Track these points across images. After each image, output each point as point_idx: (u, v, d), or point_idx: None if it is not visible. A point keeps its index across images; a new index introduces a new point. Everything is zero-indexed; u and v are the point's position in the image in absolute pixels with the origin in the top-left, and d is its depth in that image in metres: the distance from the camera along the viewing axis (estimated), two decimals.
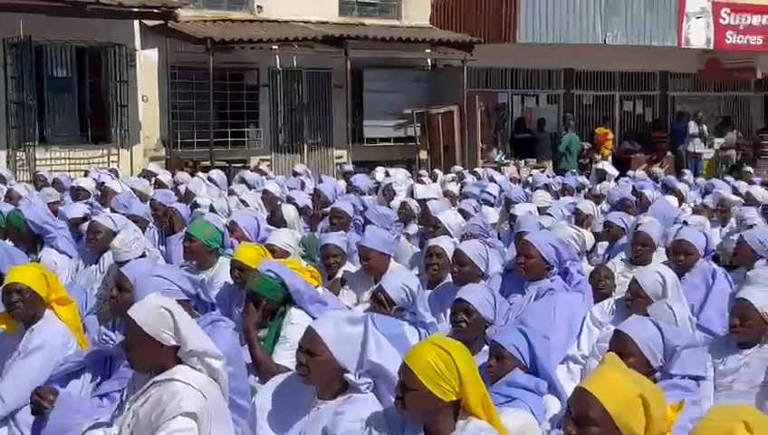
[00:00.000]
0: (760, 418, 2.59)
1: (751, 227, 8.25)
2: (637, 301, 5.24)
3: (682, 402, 3.10)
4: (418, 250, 7.82)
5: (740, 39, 21.93)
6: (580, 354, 5.34)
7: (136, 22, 17.06)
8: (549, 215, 8.82)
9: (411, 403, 3.31)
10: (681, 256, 6.56)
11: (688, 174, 16.20)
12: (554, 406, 4.13)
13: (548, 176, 14.95)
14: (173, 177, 12.71)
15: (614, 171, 14.63)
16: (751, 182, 13.86)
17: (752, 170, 16.95)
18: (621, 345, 3.95)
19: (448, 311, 5.66)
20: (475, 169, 15.74)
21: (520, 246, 5.75)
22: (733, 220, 10.06)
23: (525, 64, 21.60)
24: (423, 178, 14.09)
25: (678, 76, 24.06)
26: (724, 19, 21.74)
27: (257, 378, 4.68)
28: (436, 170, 16.12)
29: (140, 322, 3.54)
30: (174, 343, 3.55)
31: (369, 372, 3.64)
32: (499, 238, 8.47)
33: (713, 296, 6.13)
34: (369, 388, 3.65)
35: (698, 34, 21.43)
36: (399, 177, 13.59)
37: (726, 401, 4.71)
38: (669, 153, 22.04)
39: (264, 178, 13.06)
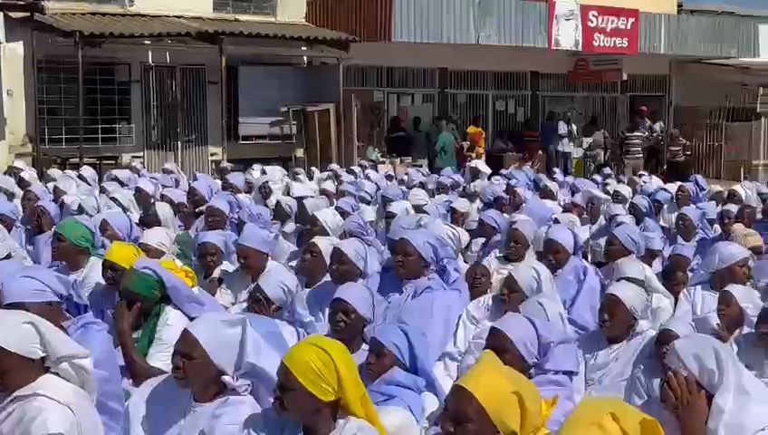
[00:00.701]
0: (625, 408, 2.69)
1: (619, 223, 8.50)
2: (512, 297, 5.34)
3: (556, 397, 3.17)
4: (296, 248, 7.79)
5: (607, 41, 22.55)
6: (456, 351, 5.41)
7: (0, 13, 16.44)
8: (425, 213, 8.91)
9: (290, 404, 3.30)
10: (550, 255, 6.72)
11: (558, 173, 16.63)
12: (432, 404, 4.17)
13: (423, 174, 15.09)
14: (41, 174, 12.33)
15: (487, 169, 14.89)
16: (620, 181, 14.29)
17: (610, 172, 17.43)
18: (497, 342, 4.01)
19: (327, 310, 5.67)
20: (352, 167, 15.77)
21: (398, 245, 5.77)
22: (602, 218, 10.37)
23: (401, 63, 21.76)
24: (299, 176, 14.04)
25: (549, 77, 24.62)
26: (592, 22, 22.33)
27: (131, 381, 4.58)
28: (313, 168, 16.09)
29: (5, 343, 3.28)
30: (42, 354, 3.34)
31: (248, 373, 3.60)
32: (376, 236, 8.50)
33: (583, 292, 6.29)
34: (248, 390, 3.61)
35: (567, 36, 21.95)
36: (276, 175, 13.53)
37: (596, 396, 4.85)
38: (540, 152, 22.56)
39: (136, 175, 12.80)
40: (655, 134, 23.80)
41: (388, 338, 4.21)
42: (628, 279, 5.94)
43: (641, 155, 22.52)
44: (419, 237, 5.81)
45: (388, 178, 15.45)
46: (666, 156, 23.43)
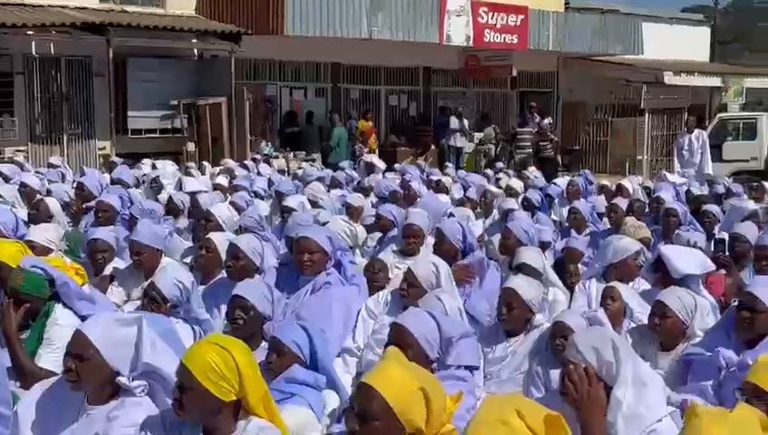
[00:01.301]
0: (530, 405, 2.69)
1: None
2: (411, 292, 5.33)
3: (460, 393, 3.16)
4: (190, 245, 7.64)
5: (497, 37, 22.85)
6: (355, 347, 5.38)
7: None
8: (321, 208, 8.85)
9: (189, 404, 3.21)
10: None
11: (451, 167, 16.79)
12: (334, 401, 4.12)
13: (317, 169, 15.04)
14: None
15: (382, 164, 14.91)
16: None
17: (502, 166, 17.67)
18: (399, 338, 3.98)
19: (223, 307, 5.56)
20: (245, 162, 15.58)
21: (302, 243, 5.69)
22: (495, 212, 10.48)
23: (293, 57, 21.63)
24: (191, 171, 13.80)
25: (441, 72, 24.82)
26: (483, 18, 22.58)
27: (19, 384, 4.39)
28: (205, 163, 15.85)
29: None
30: None
31: (144, 374, 3.49)
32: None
33: (482, 286, 6.32)
34: (145, 391, 3.50)
35: (458, 32, 22.15)
36: (168, 169, 13.27)
37: (496, 390, 4.88)
38: (433, 147, 22.73)
39: (20, 169, 12.38)
40: (544, 130, 24.18)
41: (288, 336, 4.14)
42: (526, 266, 6.02)
43: (531, 150, 22.89)
44: (321, 234, 5.76)
45: (281, 172, 15.36)
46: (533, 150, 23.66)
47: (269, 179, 12.35)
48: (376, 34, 20.56)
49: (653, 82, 25.57)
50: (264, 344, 4.46)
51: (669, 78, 25.58)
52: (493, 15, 22.72)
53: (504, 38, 22.98)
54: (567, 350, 3.58)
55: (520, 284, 5.14)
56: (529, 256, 6.24)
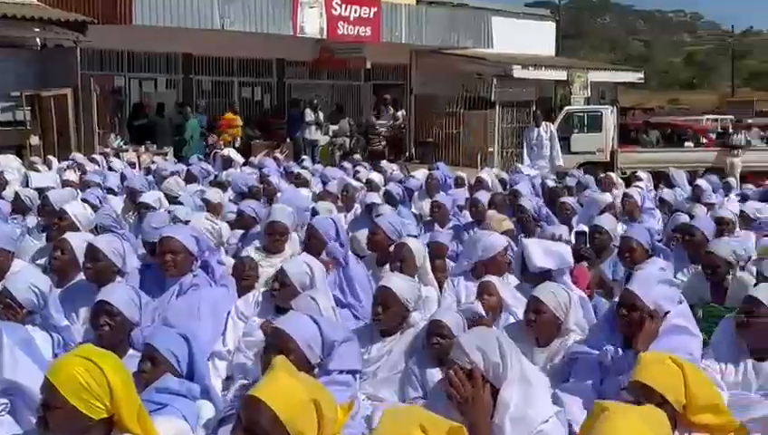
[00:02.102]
0: (432, 418, 2.61)
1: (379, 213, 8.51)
2: (283, 292, 5.18)
3: (352, 402, 3.04)
4: (41, 245, 7.24)
5: (350, 30, 22.82)
6: (225, 350, 5.20)
7: None
8: (180, 204, 8.55)
9: (56, 423, 3.00)
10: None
11: (308, 160, 16.64)
12: (208, 411, 3.93)
13: (171, 162, 14.62)
14: None
15: (240, 158, 14.63)
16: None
17: (360, 159, 17.62)
18: (280, 342, 3.82)
19: (82, 312, 5.27)
20: (93, 156, 15.00)
21: (164, 243, 5.44)
22: (357, 206, 10.41)
23: (142, 47, 21.01)
24: (37, 166, 13.20)
25: (294, 64, 24.63)
26: (336, 10, 22.51)
27: None
28: (50, 157, 15.18)
29: None
30: None
31: (5, 391, 3.23)
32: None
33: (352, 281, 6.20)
34: (6, 409, 3.24)
35: (312, 24, 22.00)
36: (12, 164, 12.64)
37: (372, 391, 4.78)
38: (288, 140, 22.50)
39: None
40: (398, 122, 24.35)
41: (164, 343, 3.92)
42: (403, 262, 5.96)
43: (386, 143, 23.01)
44: (185, 233, 5.52)
45: (131, 165, 14.87)
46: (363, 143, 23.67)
47: (122, 174, 11.92)
48: (228, 25, 20.19)
49: (503, 76, 26.03)
50: (132, 352, 4.22)
51: (518, 72, 26.11)
52: (346, 8, 22.67)
53: (358, 30, 22.98)
54: (453, 351, 3.52)
55: (395, 282, 5.05)
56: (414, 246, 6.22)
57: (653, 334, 4.43)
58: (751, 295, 4.45)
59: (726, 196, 12.45)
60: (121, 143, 19.50)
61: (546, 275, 5.60)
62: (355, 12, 22.89)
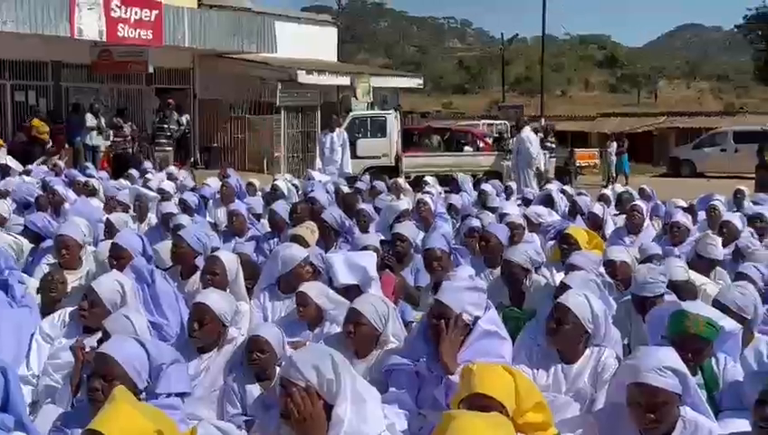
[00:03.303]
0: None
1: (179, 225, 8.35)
2: (92, 312, 5.00)
3: (194, 429, 2.99)
4: None
5: (131, 32, 22.19)
6: (30, 374, 4.96)
7: None
8: None
9: None
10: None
11: (91, 167, 16.09)
12: None
13: None
14: None
15: (18, 166, 13.95)
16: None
17: (151, 166, 17.19)
18: (106, 367, 3.67)
19: None
20: None
21: None
22: (151, 216, 10.17)
23: None
24: None
25: (72, 67, 23.70)
26: (116, 12, 21.83)
27: None
28: None
29: None
30: None
31: None
32: None
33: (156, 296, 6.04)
34: None
35: (91, 26, 21.24)
36: None
37: (189, 409, 4.65)
38: (67, 145, 21.63)
39: None
40: (182, 127, 23.94)
41: None
42: (215, 276, 5.88)
43: (170, 148, 22.57)
44: None
45: None
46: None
47: None
48: (0, 26, 19.17)
49: (287, 81, 26.12)
50: None
51: (303, 77, 26.26)
52: (126, 10, 22.04)
53: (139, 33, 22.39)
54: (285, 369, 3.51)
55: (211, 297, 4.99)
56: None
57: (456, 342, 4.51)
58: (560, 302, 4.69)
59: (507, 199, 12.92)
60: None
61: (354, 287, 5.70)
62: (136, 14, 22.29)
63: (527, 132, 19.34)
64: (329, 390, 3.43)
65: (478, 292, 4.82)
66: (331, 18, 35.35)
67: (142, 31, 22.52)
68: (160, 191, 11.54)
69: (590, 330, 4.65)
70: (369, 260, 6.22)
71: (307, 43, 29.30)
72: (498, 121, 34.68)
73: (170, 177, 13.89)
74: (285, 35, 26.94)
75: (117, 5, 21.87)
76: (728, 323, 4.57)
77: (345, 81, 28.31)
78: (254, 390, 4.73)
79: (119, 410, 2.77)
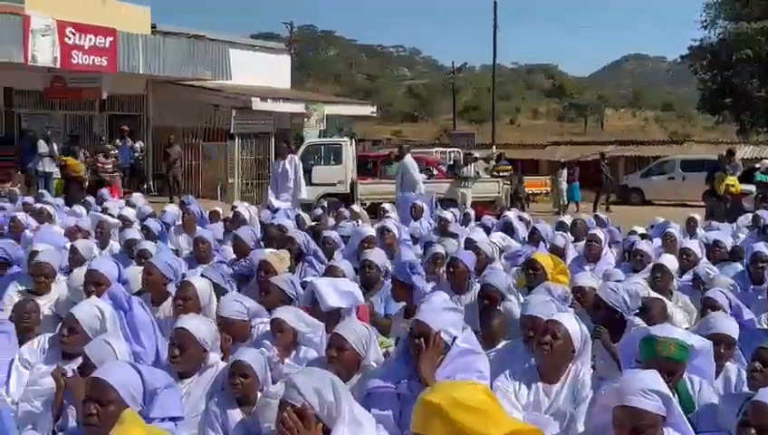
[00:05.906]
0: None
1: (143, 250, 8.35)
2: (72, 338, 4.99)
3: None
4: None
5: (86, 59, 22.13)
6: (10, 401, 4.93)
7: None
8: None
9: None
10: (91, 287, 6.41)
11: (47, 195, 15.94)
12: None
13: None
14: None
15: None
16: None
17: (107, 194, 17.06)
18: (101, 392, 3.69)
19: None
20: None
21: None
22: (113, 244, 10.13)
23: None
24: None
25: (24, 93, 23.52)
26: (70, 38, 21.77)
27: None
28: None
29: None
30: None
31: None
32: None
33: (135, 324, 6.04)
34: None
35: (45, 52, 21.16)
36: None
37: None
38: (19, 172, 21.41)
39: None
40: (136, 154, 23.82)
41: None
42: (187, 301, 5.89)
43: (123, 174, 22.44)
44: None
45: None
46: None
47: None
48: None
49: (241, 108, 26.13)
50: None
51: (257, 104, 26.29)
52: (80, 37, 21.99)
53: (94, 60, 22.35)
54: (287, 391, 3.56)
55: (192, 323, 5.01)
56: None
57: (435, 359, 4.58)
58: (554, 319, 4.84)
59: (465, 226, 12.92)
60: None
61: (335, 312, 5.75)
62: (90, 41, 22.25)
63: (409, 158, 19.26)
64: (329, 413, 3.48)
65: (456, 313, 4.93)
66: (284, 46, 35.47)
67: (96, 57, 22.48)
68: (121, 218, 11.48)
69: (577, 349, 4.80)
70: (353, 285, 6.29)
71: (261, 71, 29.38)
72: (451, 149, 34.93)
73: (128, 203, 13.81)
74: (239, 63, 26.98)
75: (72, 32, 21.81)
76: (696, 341, 4.70)
77: (299, 108, 28.38)
78: (236, 414, 4.74)
79: (127, 433, 2.79)
